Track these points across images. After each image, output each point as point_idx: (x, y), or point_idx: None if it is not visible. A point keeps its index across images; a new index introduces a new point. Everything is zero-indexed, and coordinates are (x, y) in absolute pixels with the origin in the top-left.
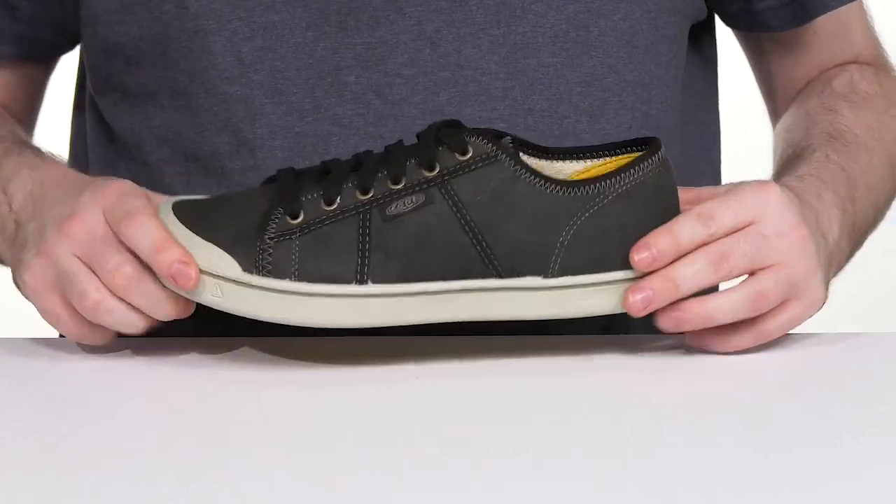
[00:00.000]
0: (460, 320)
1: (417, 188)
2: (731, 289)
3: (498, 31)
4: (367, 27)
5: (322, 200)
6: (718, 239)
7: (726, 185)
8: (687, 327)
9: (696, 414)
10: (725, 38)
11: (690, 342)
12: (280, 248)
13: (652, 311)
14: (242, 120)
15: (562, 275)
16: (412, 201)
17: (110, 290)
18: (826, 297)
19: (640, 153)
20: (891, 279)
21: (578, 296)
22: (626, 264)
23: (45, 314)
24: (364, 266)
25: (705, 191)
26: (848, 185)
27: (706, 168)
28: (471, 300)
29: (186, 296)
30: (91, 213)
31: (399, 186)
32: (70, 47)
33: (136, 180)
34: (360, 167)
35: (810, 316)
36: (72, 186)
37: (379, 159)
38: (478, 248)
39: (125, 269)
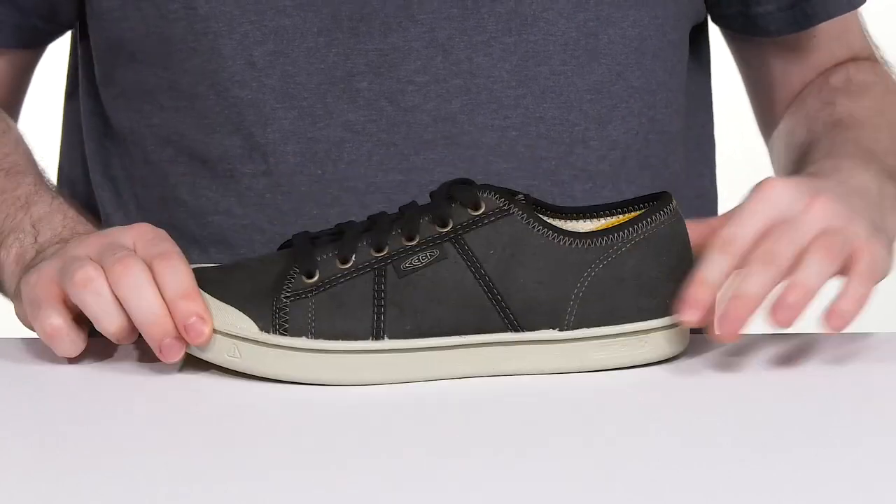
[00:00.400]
0: (477, 375)
1: (431, 243)
2: (803, 260)
3: (509, 40)
4: (380, 34)
5: (337, 259)
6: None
7: (731, 209)
8: (798, 310)
9: (695, 414)
10: (714, 38)
11: (831, 322)
12: (296, 307)
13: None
14: (254, 124)
15: (577, 327)
16: (426, 256)
17: (107, 277)
18: (885, 240)
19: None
20: (891, 279)
21: (594, 348)
22: (641, 315)
23: (32, 304)
24: (380, 322)
25: (715, 221)
26: (860, 148)
27: (705, 170)
28: (486, 354)
29: (199, 354)
30: (119, 235)
31: (413, 243)
32: (62, 33)
33: (132, 177)
34: (374, 227)
35: (891, 259)
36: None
37: (393, 219)
38: (492, 301)
39: (131, 260)
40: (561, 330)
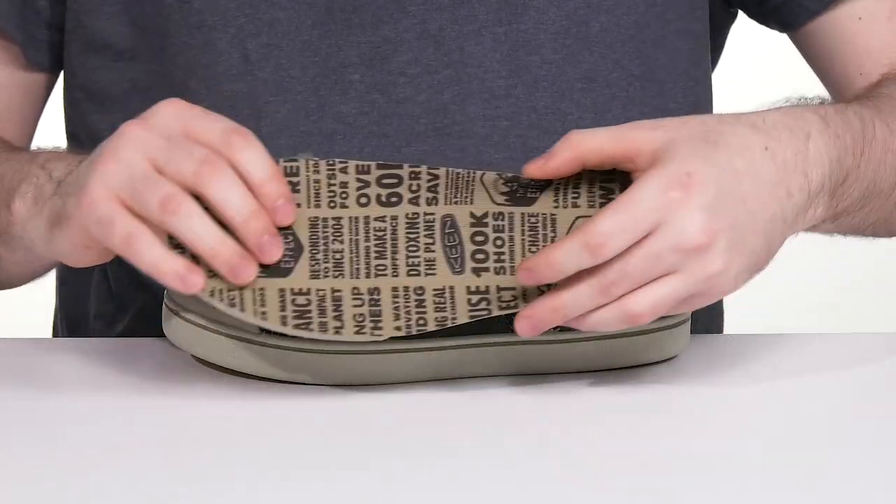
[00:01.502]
0: (476, 375)
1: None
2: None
3: (500, 29)
4: (371, 25)
5: None
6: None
7: (659, 134)
8: (538, 324)
9: (695, 414)
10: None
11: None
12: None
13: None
14: (247, 118)
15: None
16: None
17: (192, 188)
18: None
19: None
20: (891, 279)
21: (594, 348)
22: None
23: (98, 222)
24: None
25: (638, 139)
26: (862, 130)
27: None
28: (486, 355)
29: (199, 354)
30: (164, 120)
31: None
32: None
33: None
34: None
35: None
36: None
37: None
38: None
39: (214, 160)
40: (562, 331)
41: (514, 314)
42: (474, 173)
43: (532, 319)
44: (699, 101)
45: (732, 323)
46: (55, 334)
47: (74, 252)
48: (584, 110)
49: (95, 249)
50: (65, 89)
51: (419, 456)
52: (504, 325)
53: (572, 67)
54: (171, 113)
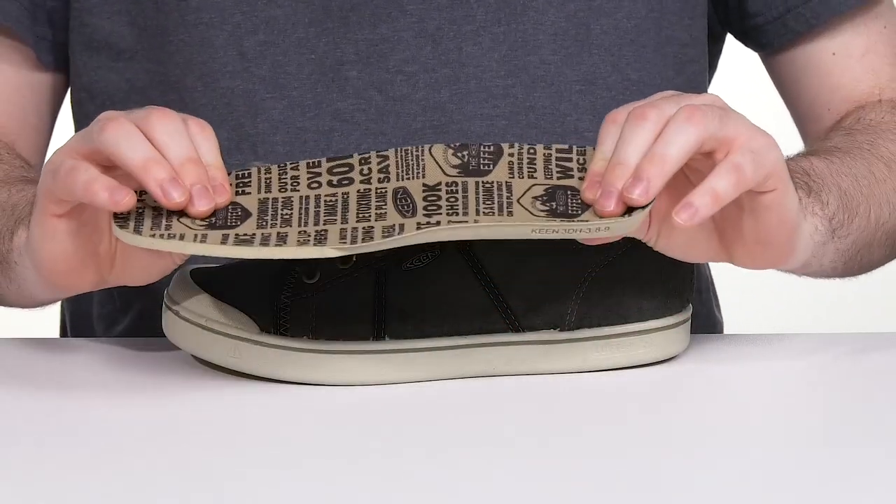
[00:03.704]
0: (477, 375)
1: (432, 243)
2: (666, 126)
3: (499, 29)
4: (369, 24)
5: (338, 260)
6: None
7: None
8: (654, 182)
9: (695, 414)
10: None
11: (680, 215)
12: (297, 307)
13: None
14: (244, 115)
15: (577, 327)
16: (427, 257)
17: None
18: (782, 156)
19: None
20: (891, 279)
21: (594, 348)
22: (641, 315)
23: (51, 173)
24: (381, 322)
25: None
26: (795, 164)
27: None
28: (487, 355)
29: (199, 354)
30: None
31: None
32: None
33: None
34: None
35: (775, 160)
36: None
37: None
38: (493, 302)
39: (169, 111)
40: (562, 330)
41: (513, 313)
42: (423, 147)
43: (603, 190)
44: None
45: (732, 323)
46: (62, 335)
47: (45, 235)
48: (583, 112)
49: (65, 224)
50: (71, 90)
51: (419, 456)
52: (504, 325)
53: (571, 69)
54: (143, 109)
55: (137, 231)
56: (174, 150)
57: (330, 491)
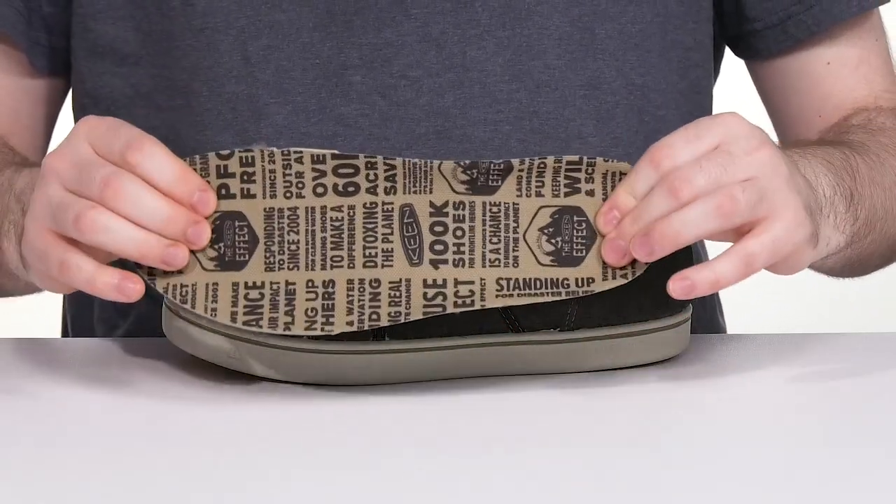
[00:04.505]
0: (477, 375)
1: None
2: (696, 201)
3: (503, 34)
4: (373, 28)
5: None
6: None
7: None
8: (658, 251)
9: (695, 414)
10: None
11: (675, 284)
12: None
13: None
14: (248, 119)
15: (577, 328)
16: None
17: (104, 206)
18: (812, 228)
19: None
20: (891, 279)
21: (594, 348)
22: (641, 315)
23: (39, 259)
24: None
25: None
26: (846, 161)
27: None
28: (487, 355)
29: (200, 355)
30: (75, 144)
31: None
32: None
33: None
34: None
35: (796, 242)
36: None
37: None
38: None
39: (114, 179)
40: (562, 330)
41: (513, 314)
42: (431, 163)
43: (610, 243)
44: (701, 114)
45: (733, 323)
46: (64, 335)
47: (54, 287)
48: (587, 117)
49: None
50: (73, 96)
51: (419, 456)
52: (504, 325)
53: (575, 74)
54: (83, 134)
55: (152, 281)
56: (146, 216)
57: (330, 491)
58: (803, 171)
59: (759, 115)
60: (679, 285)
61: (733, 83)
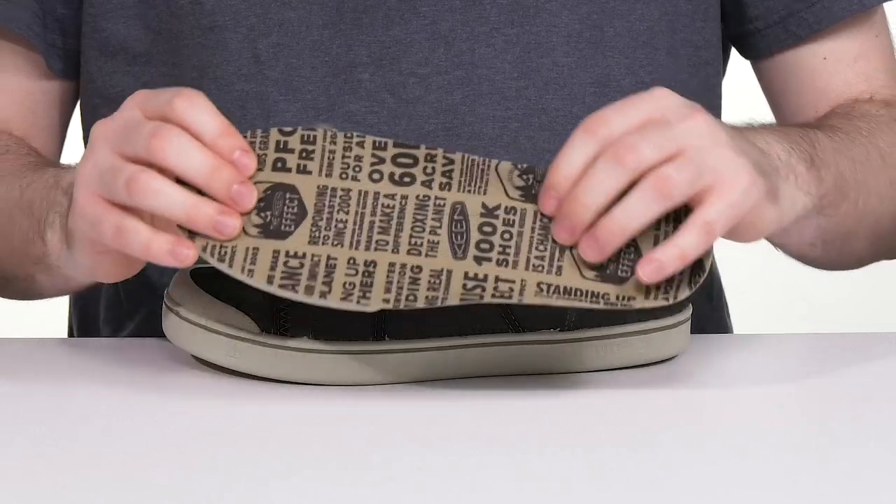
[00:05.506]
0: (477, 375)
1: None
2: (632, 190)
3: (512, 31)
4: (382, 26)
5: None
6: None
7: None
8: (608, 248)
9: (695, 414)
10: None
11: (644, 268)
12: (297, 307)
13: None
14: (257, 117)
15: (578, 328)
16: None
17: (151, 162)
18: (767, 186)
19: None
20: (891, 279)
21: (594, 348)
22: (641, 315)
23: (91, 225)
24: (381, 323)
25: None
26: (803, 134)
27: None
28: (487, 355)
29: (200, 354)
30: (124, 110)
31: None
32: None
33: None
34: None
35: (752, 202)
36: None
37: None
38: None
39: (160, 129)
40: (562, 330)
41: (513, 313)
42: (490, 162)
43: (559, 223)
44: (711, 112)
45: (743, 330)
46: (70, 335)
47: (98, 265)
48: None
49: (112, 255)
50: (82, 96)
51: (419, 456)
52: (504, 325)
53: (584, 71)
54: (132, 102)
55: (190, 238)
56: (193, 168)
57: (330, 491)
58: (752, 140)
59: (766, 114)
60: (648, 269)
61: (741, 81)
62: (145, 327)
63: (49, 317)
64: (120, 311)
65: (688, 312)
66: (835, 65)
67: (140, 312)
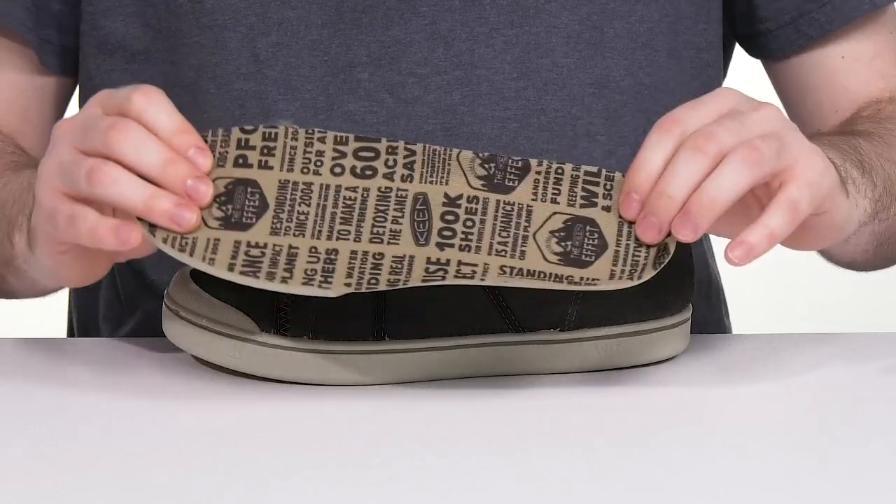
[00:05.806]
0: (477, 375)
1: None
2: (720, 165)
3: (511, 31)
4: (382, 25)
5: None
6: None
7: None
8: (703, 223)
9: (695, 414)
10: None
11: (734, 252)
12: (297, 307)
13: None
14: (256, 116)
15: (578, 328)
16: None
17: (108, 155)
18: (837, 175)
19: None
20: (891, 279)
21: (594, 348)
22: (641, 315)
23: (48, 219)
24: (381, 323)
25: None
26: (848, 142)
27: None
28: (487, 355)
29: (199, 354)
30: (85, 109)
31: None
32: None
33: None
34: None
35: (829, 185)
36: None
37: None
38: (493, 301)
39: (118, 122)
40: (562, 330)
41: (513, 313)
42: (451, 151)
43: (646, 220)
44: None
45: (742, 330)
46: (69, 336)
47: (60, 266)
48: (595, 115)
49: (71, 254)
50: (80, 94)
51: (419, 456)
52: (504, 325)
53: (584, 72)
54: (93, 100)
55: (151, 232)
56: (148, 161)
57: (330, 491)
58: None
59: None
60: (739, 252)
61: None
62: (145, 325)
63: (49, 317)
64: (119, 309)
65: (688, 313)
66: (853, 63)
67: (139, 311)
